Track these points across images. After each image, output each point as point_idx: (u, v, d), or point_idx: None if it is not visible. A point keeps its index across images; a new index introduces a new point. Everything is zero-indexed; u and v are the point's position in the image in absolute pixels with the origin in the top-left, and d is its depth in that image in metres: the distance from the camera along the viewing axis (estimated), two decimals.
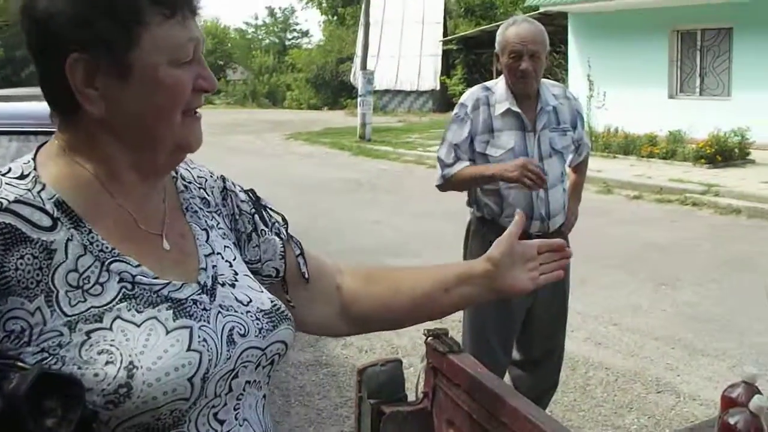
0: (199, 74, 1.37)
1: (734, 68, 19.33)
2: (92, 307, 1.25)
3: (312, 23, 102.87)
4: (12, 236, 1.22)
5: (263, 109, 47.74)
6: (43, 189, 1.30)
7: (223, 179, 1.65)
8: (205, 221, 1.54)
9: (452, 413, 2.08)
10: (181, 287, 1.36)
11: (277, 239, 1.67)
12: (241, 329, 1.38)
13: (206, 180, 1.62)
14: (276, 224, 1.69)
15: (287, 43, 68.12)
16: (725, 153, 16.10)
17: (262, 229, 1.65)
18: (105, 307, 1.26)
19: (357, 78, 29.76)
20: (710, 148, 15.98)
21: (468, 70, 32.66)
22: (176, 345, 1.26)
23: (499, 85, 4.26)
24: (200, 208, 1.55)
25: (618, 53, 21.02)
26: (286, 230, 1.71)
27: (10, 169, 1.33)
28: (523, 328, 4.38)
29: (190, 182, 1.58)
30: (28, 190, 1.29)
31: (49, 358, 1.20)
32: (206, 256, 1.47)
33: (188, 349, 1.27)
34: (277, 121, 33.81)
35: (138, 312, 1.27)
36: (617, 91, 19.12)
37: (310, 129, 28.92)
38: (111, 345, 1.22)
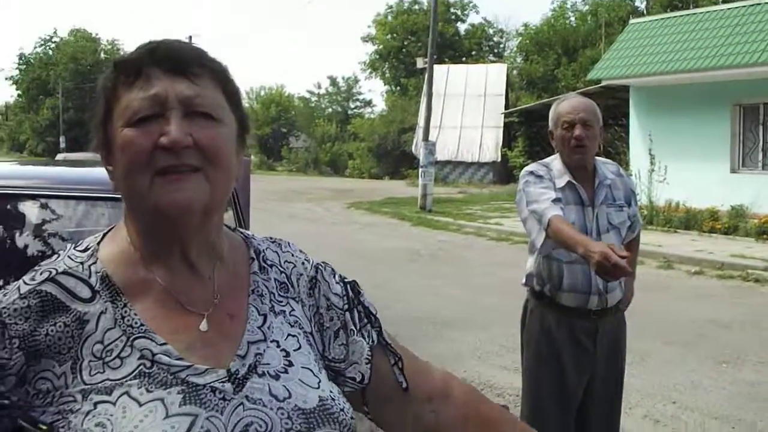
0: (162, 131, 1.31)
1: None
2: (107, 379, 1.26)
3: (375, 93, 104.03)
4: (50, 305, 1.30)
5: (324, 177, 48.28)
6: (94, 263, 1.37)
7: (317, 269, 1.59)
8: (271, 306, 1.48)
9: None
10: (204, 372, 1.31)
11: (365, 342, 1.56)
12: (261, 426, 1.29)
13: (294, 266, 1.57)
14: (368, 326, 1.58)
15: (350, 112, 69.03)
16: None
17: (352, 329, 1.55)
18: (118, 382, 1.26)
19: (419, 148, 30.01)
20: None
21: (529, 142, 32.80)
22: (169, 431, 1.22)
23: (555, 162, 4.28)
24: (271, 292, 1.50)
25: (679, 127, 20.98)
26: (379, 334, 1.59)
27: (82, 243, 1.43)
28: (580, 407, 4.38)
29: (272, 264, 1.54)
30: (81, 263, 1.37)
31: (60, 421, 1.24)
32: (252, 342, 1.40)
33: None
34: (338, 189, 34.19)
35: (147, 391, 1.26)
36: (679, 165, 19.04)
37: (372, 198, 29.18)
38: (108, 419, 1.22)
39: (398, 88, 58.41)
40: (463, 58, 54.91)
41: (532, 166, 4.35)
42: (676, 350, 8.52)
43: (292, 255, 1.59)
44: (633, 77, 22.23)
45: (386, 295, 10.93)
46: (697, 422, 6.37)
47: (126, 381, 1.27)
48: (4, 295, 1.32)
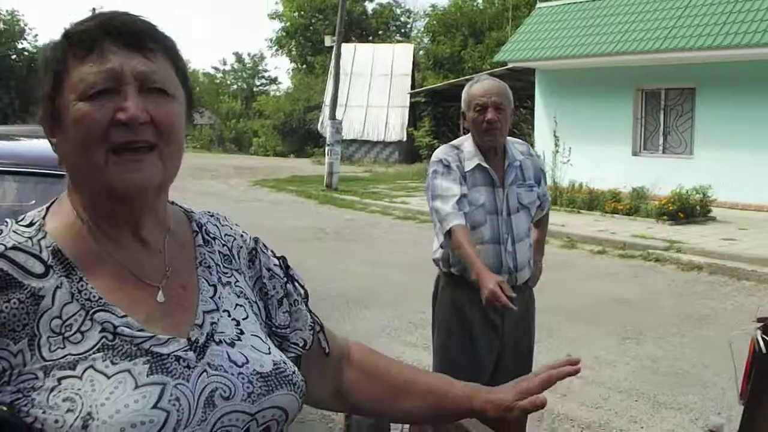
0: (118, 107, 1.31)
1: (696, 127, 19.77)
2: (69, 354, 1.25)
3: (281, 71, 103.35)
4: (3, 281, 1.26)
5: (229, 154, 47.82)
6: (43, 237, 1.35)
7: (255, 241, 1.65)
8: (219, 277, 1.52)
9: None
10: (166, 342, 1.33)
11: (307, 311, 1.66)
12: (225, 391, 1.33)
13: (234, 239, 1.61)
14: (302, 297, 1.68)
15: (255, 89, 68.47)
16: (687, 210, 16.36)
17: (295, 299, 1.64)
18: (81, 356, 1.26)
19: (325, 127, 29.94)
20: (672, 206, 16.23)
21: (435, 122, 33.02)
22: (141, 401, 1.22)
23: (466, 143, 4.34)
24: (216, 264, 1.54)
25: (584, 110, 21.46)
26: (307, 304, 1.69)
27: (24, 217, 1.39)
28: (489, 382, 4.43)
29: (214, 237, 1.58)
30: (30, 237, 1.34)
31: (22, 399, 1.22)
32: (206, 312, 1.44)
33: (154, 407, 1.23)
34: (243, 167, 33.92)
35: (113, 363, 1.26)
36: (582, 147, 19.41)
37: (277, 176, 29.04)
38: (76, 393, 1.22)
39: (304, 66, 58.07)
40: (370, 38, 54.86)
41: (442, 151, 4.39)
42: (580, 327, 8.73)
43: (231, 228, 1.64)
44: (539, 60, 22.58)
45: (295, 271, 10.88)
46: (602, 396, 6.53)
47: (90, 355, 1.26)
48: None
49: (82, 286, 1.32)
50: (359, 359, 1.77)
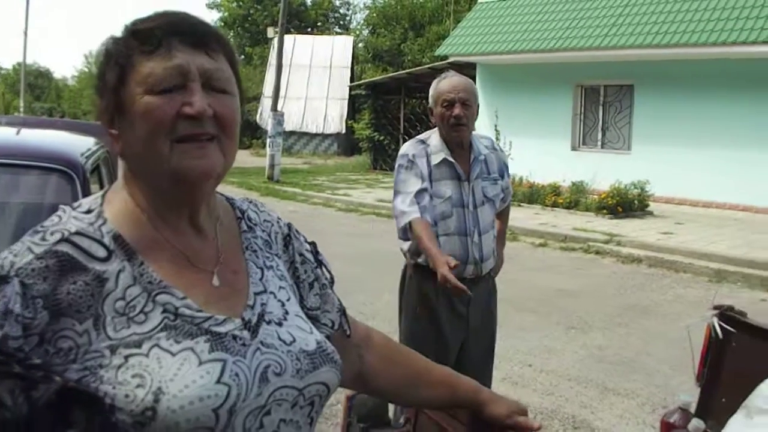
0: (185, 101, 1.40)
1: (634, 123, 20.09)
2: (134, 333, 1.33)
3: None
4: (68, 264, 1.34)
5: None
6: (104, 223, 1.43)
7: (289, 227, 1.75)
8: (264, 261, 1.62)
9: None
10: (223, 321, 1.42)
11: (334, 295, 1.77)
12: (277, 368, 1.42)
13: (272, 225, 1.71)
14: (329, 281, 1.78)
15: None
16: (626, 204, 16.72)
17: (324, 283, 1.75)
18: (146, 335, 1.34)
19: (264, 118, 29.80)
20: (611, 200, 16.56)
21: (375, 115, 33.00)
22: (206, 376, 1.31)
23: (432, 137, 4.46)
24: (261, 249, 1.64)
25: (524, 105, 21.70)
26: (333, 288, 1.79)
27: (80, 204, 1.47)
28: (455, 367, 4.53)
29: (256, 224, 1.68)
30: (91, 223, 1.42)
31: (89, 376, 1.29)
32: (256, 294, 1.53)
33: (217, 382, 1.32)
34: None
35: (176, 342, 1.34)
36: (523, 142, 19.63)
37: None
38: (144, 370, 1.30)
39: (242, 56, 57.68)
40: (309, 29, 54.67)
41: (408, 145, 4.50)
42: (528, 317, 8.94)
43: (269, 214, 1.74)
44: (480, 55, 22.72)
45: None
46: (552, 383, 6.73)
47: (154, 334, 1.35)
48: (15, 257, 1.34)
49: (143, 270, 1.40)
50: (381, 346, 1.90)
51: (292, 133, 38.99)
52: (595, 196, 17.15)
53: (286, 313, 1.56)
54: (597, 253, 13.22)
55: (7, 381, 1.22)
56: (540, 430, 1.91)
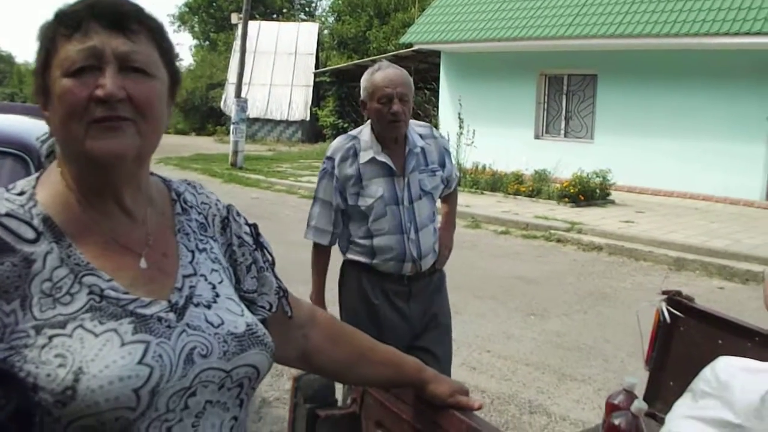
0: (98, 83, 1.40)
1: (597, 113, 20.22)
2: (59, 314, 1.35)
3: (183, 47, 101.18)
4: None
5: None
6: (35, 205, 1.44)
7: (228, 209, 1.76)
8: (196, 244, 1.63)
9: (381, 415, 2.30)
10: (148, 304, 1.43)
11: (272, 277, 1.77)
12: (203, 350, 1.43)
13: (209, 207, 1.72)
14: (269, 263, 1.79)
15: None
16: (587, 193, 16.81)
17: (261, 266, 1.75)
18: (70, 316, 1.35)
19: (228, 105, 29.66)
20: (573, 188, 16.66)
21: (339, 102, 33.02)
22: (127, 357, 1.32)
23: (364, 132, 4.26)
24: (194, 231, 1.65)
25: (488, 93, 21.77)
26: (273, 270, 1.81)
27: (15, 186, 1.49)
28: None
29: (191, 206, 1.69)
30: (21, 205, 1.43)
31: (14, 356, 1.30)
32: (186, 276, 1.55)
33: (139, 362, 1.33)
34: None
35: (100, 323, 1.36)
36: (486, 130, 19.76)
37: (180, 154, 28.64)
38: (67, 350, 1.31)
39: (207, 42, 57.35)
40: (274, 15, 54.46)
41: (337, 143, 4.32)
42: (487, 304, 8.99)
43: (207, 197, 1.75)
44: (444, 43, 22.74)
45: None
46: (510, 369, 6.79)
47: (78, 315, 1.36)
48: None
49: (70, 251, 1.42)
50: (325, 326, 1.94)
51: (256, 119, 38.81)
52: (558, 185, 17.22)
53: (217, 295, 1.57)
54: (558, 241, 13.29)
55: None
56: (481, 410, 1.96)
